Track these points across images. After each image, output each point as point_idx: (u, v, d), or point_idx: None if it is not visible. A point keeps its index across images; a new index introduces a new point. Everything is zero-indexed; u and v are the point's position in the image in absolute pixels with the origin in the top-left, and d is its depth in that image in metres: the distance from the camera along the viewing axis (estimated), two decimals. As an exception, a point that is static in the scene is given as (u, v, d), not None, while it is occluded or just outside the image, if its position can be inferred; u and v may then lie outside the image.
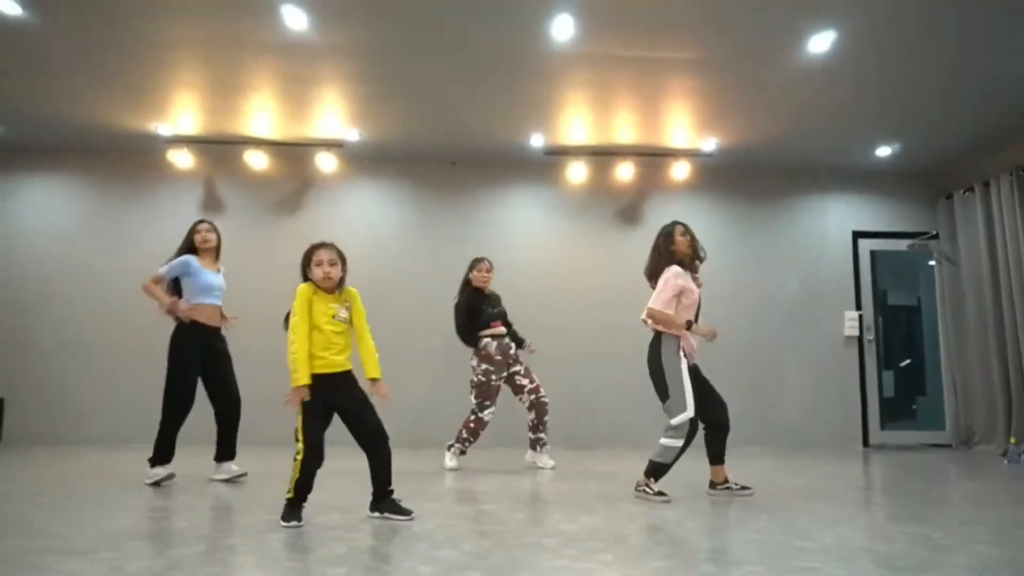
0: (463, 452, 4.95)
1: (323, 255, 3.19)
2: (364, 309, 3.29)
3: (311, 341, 3.09)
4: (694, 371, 3.84)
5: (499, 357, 4.90)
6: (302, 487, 3.04)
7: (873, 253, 7.01)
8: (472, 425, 4.89)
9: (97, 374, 6.32)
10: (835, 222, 6.97)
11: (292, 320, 3.14)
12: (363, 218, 6.71)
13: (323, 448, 3.07)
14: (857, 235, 6.98)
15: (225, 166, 6.58)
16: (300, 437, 3.05)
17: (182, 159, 6.33)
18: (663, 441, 3.75)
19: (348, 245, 6.40)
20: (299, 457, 3.04)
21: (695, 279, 3.91)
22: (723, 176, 6.80)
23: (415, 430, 5.72)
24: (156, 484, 3.97)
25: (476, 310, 4.96)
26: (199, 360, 4.19)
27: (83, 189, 6.63)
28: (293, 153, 6.48)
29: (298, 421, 3.07)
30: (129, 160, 6.58)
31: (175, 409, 4.10)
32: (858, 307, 6.87)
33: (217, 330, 4.32)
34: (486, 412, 4.88)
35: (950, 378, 6.80)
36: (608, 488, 4.10)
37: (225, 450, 4.29)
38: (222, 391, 4.28)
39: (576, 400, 6.34)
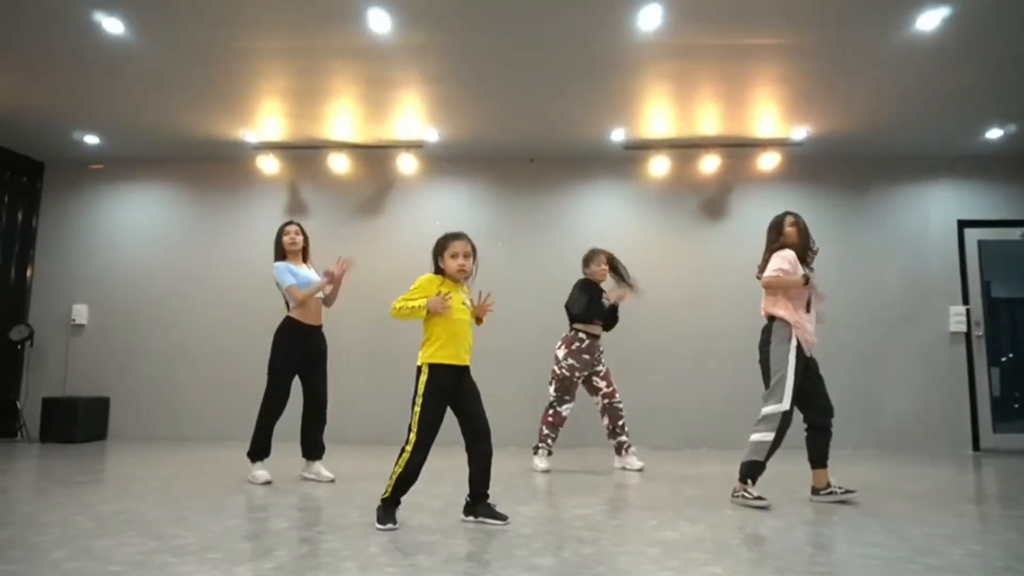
0: (550, 452, 4.84)
1: (459, 247, 3.09)
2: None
3: (441, 330, 3.01)
4: (806, 365, 3.66)
5: (587, 356, 4.80)
6: (401, 486, 2.98)
7: (980, 243, 6.53)
8: (551, 419, 4.79)
9: (196, 375, 6.58)
10: (939, 211, 6.54)
11: (399, 302, 3.06)
12: (442, 217, 6.72)
13: (432, 444, 2.99)
14: (963, 224, 6.53)
15: (308, 170, 6.73)
16: (413, 428, 2.95)
17: (268, 165, 6.51)
18: (753, 437, 3.60)
19: (427, 246, 6.61)
20: (408, 449, 2.94)
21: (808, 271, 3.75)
22: (814, 166, 6.49)
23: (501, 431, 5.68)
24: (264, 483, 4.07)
25: (594, 298, 4.81)
26: (301, 360, 4.23)
27: (178, 197, 6.91)
28: (374, 155, 6.57)
29: (414, 414, 2.98)
30: (220, 168, 6.82)
31: (272, 406, 4.15)
32: (965, 301, 6.43)
33: (319, 329, 4.33)
34: (565, 407, 4.79)
35: (1071, 377, 6.27)
36: (703, 492, 3.95)
37: (311, 449, 4.32)
38: (311, 392, 4.32)
39: (658, 400, 6.18)
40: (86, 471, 4.64)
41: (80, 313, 6.76)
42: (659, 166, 6.36)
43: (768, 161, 6.28)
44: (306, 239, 4.47)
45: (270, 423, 4.17)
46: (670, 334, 6.37)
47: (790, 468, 4.23)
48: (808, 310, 3.70)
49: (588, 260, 4.97)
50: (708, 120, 5.92)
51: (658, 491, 4.04)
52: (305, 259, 4.47)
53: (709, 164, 6.31)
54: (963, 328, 6.36)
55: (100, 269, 6.83)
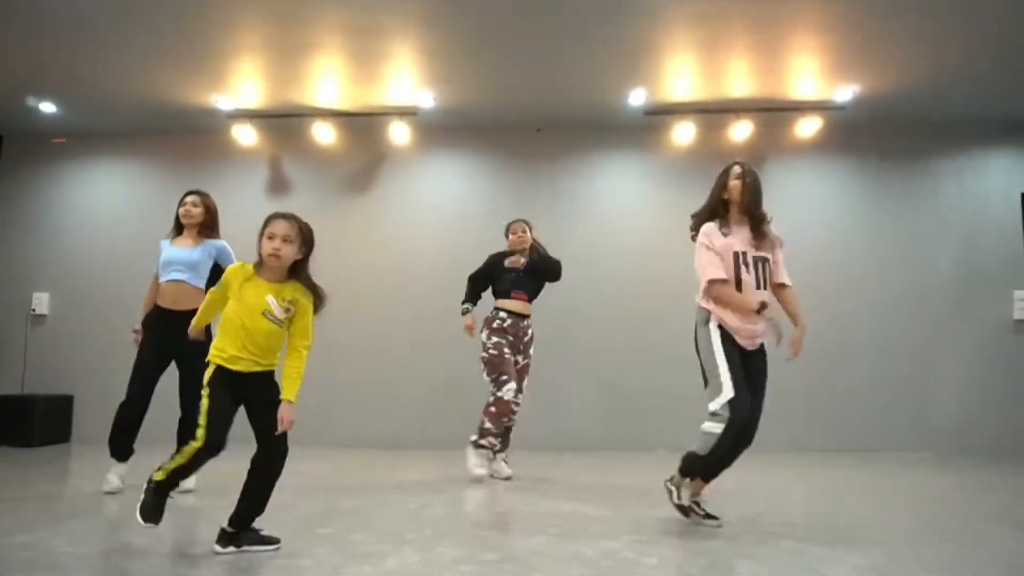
0: (495, 450, 4.09)
1: (277, 227, 2.50)
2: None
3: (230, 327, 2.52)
4: (742, 357, 2.93)
5: (511, 337, 4.14)
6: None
7: (1048, 219, 5.79)
8: (493, 409, 4.00)
9: (168, 370, 5.90)
10: (999, 183, 5.79)
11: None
12: (440, 193, 6.04)
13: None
14: (1027, 198, 5.79)
15: (290, 141, 6.05)
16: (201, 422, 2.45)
17: (246, 135, 5.83)
18: (703, 426, 2.89)
19: (425, 223, 5.95)
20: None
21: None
22: (859, 133, 5.75)
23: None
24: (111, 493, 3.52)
25: (495, 271, 4.26)
26: (159, 350, 3.63)
27: (149, 173, 6.24)
28: (363, 124, 5.86)
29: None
30: (193, 140, 6.15)
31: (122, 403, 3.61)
32: (1030, 285, 5.69)
33: (185, 315, 3.25)
34: (504, 389, 4.00)
35: None
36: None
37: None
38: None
39: (680, 393, 5.46)
40: (26, 483, 3.99)
41: (41, 302, 6.12)
42: (683, 133, 5.65)
43: (807, 127, 5.55)
44: (210, 212, 3.79)
45: (115, 422, 3.62)
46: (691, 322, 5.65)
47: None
48: (742, 286, 2.93)
49: (506, 231, 4.34)
50: (740, 80, 5.22)
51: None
52: (208, 235, 3.76)
53: (740, 131, 5.59)
54: (1028, 315, 5.63)
55: (63, 254, 6.17)
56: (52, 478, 4.31)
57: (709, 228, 3.05)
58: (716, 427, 2.86)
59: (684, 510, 2.98)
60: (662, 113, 5.63)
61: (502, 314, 4.20)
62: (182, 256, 3.67)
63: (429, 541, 2.65)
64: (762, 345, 3.00)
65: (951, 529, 3.00)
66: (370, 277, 5.84)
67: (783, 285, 3.06)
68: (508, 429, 4.16)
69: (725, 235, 3.00)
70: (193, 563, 2.41)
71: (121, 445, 3.60)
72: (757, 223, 3.02)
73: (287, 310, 2.51)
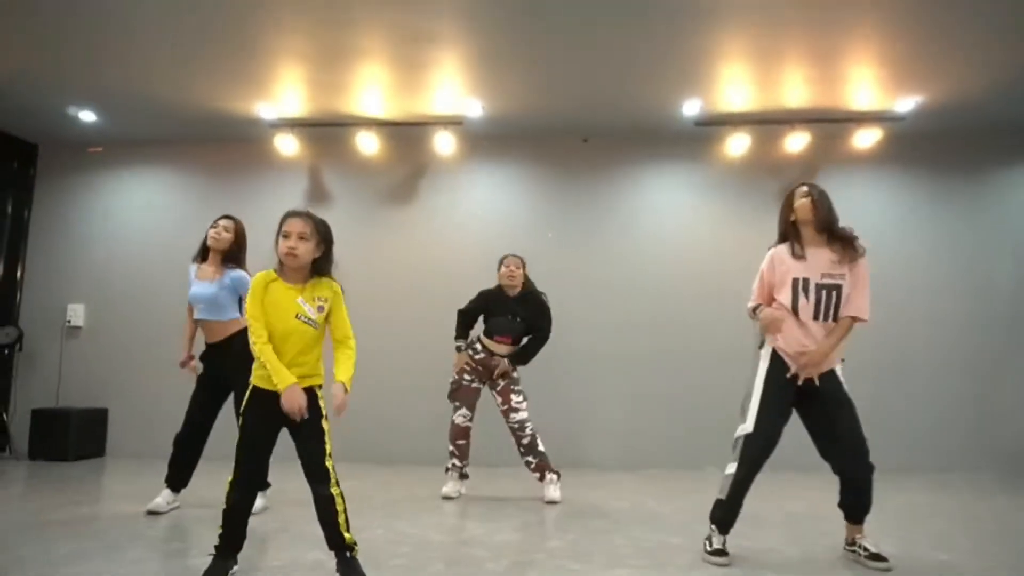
0: (461, 473, 4.20)
1: (291, 225, 2.44)
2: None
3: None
4: (802, 390, 2.80)
5: (480, 368, 4.21)
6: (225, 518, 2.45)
7: (1112, 232, 5.61)
8: (450, 432, 4.20)
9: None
10: (1062, 195, 5.62)
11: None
12: (484, 205, 5.91)
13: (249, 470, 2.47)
14: (1092, 210, 5.61)
15: (332, 151, 5.93)
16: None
17: (287, 145, 5.71)
18: (726, 469, 2.82)
19: (468, 235, 5.81)
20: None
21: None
22: (919, 143, 5.57)
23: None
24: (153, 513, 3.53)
25: (490, 308, 4.25)
26: (212, 383, 3.67)
27: (187, 183, 6.14)
28: (408, 134, 5.73)
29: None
30: (233, 149, 6.05)
31: (182, 430, 3.68)
32: (1096, 298, 5.50)
33: (220, 346, 3.64)
34: (458, 415, 4.18)
35: None
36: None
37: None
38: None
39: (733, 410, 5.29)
40: (65, 502, 3.86)
41: (76, 313, 6.01)
42: (736, 145, 5.50)
43: (865, 139, 5.40)
44: (239, 240, 3.74)
45: (176, 449, 3.70)
46: (743, 334, 5.49)
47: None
48: (797, 315, 2.81)
49: (500, 263, 4.31)
50: (796, 89, 5.06)
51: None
52: (235, 262, 3.70)
53: (795, 142, 5.44)
54: (1095, 331, 5.44)
55: (99, 265, 6.07)
56: (92, 496, 4.17)
57: (773, 251, 2.96)
58: (731, 467, 2.80)
59: (719, 553, 2.80)
60: (715, 124, 5.49)
61: (478, 346, 4.24)
62: (204, 294, 3.66)
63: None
64: (832, 372, 2.84)
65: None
66: (411, 290, 5.70)
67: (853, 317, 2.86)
68: (529, 449, 4.09)
69: (798, 258, 2.87)
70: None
71: (180, 475, 3.67)
72: (839, 241, 2.89)
73: (320, 308, 2.44)
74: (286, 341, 2.41)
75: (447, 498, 4.08)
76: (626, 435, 5.52)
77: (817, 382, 2.81)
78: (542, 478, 4.10)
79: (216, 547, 2.44)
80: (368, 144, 5.67)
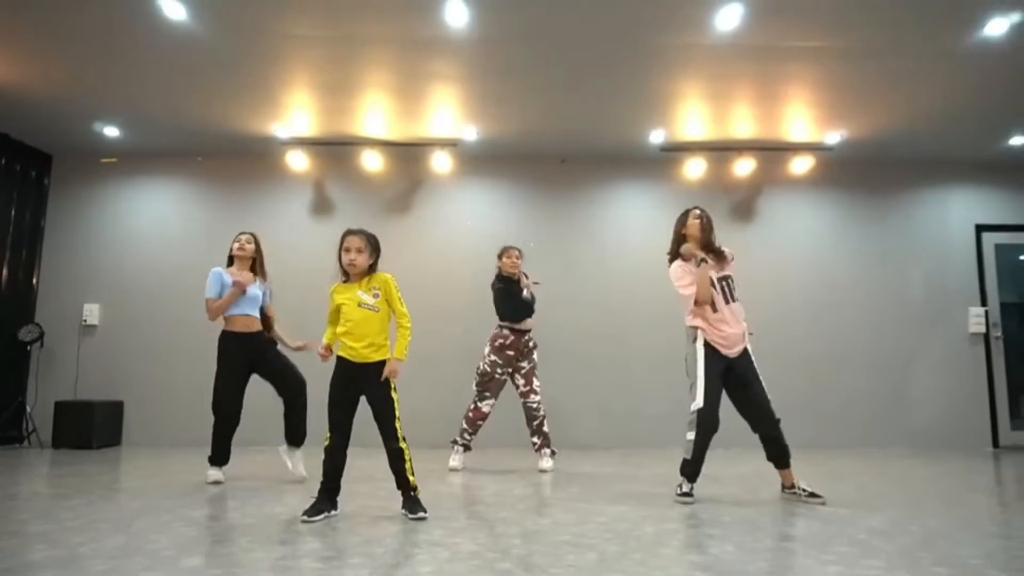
0: (466, 448, 4.84)
1: (349, 242, 3.20)
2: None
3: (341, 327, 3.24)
4: (728, 368, 3.67)
5: (510, 352, 4.80)
6: (324, 470, 3.20)
7: (997, 247, 6.75)
8: (470, 415, 4.80)
9: (208, 378, 6.30)
10: (958, 216, 6.75)
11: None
12: (475, 217, 6.65)
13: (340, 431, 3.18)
14: (980, 228, 6.75)
15: (338, 167, 6.58)
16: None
17: (297, 161, 6.33)
18: (686, 436, 3.68)
19: (458, 245, 6.56)
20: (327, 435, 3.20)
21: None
22: (845, 170, 6.62)
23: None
24: (215, 483, 4.11)
25: (515, 294, 4.85)
26: (244, 368, 4.23)
27: (198, 193, 6.67)
28: (408, 153, 6.45)
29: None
30: (243, 163, 6.62)
31: (218, 414, 4.19)
32: (983, 303, 6.63)
33: (257, 334, 4.29)
34: (485, 403, 4.79)
35: (1083, 376, 6.52)
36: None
37: (291, 435, 4.29)
38: (280, 380, 4.28)
39: (679, 399, 6.18)
40: (134, 477, 4.42)
41: (91, 313, 6.46)
42: (694, 168, 6.41)
43: (800, 165, 6.39)
44: (259, 251, 4.40)
45: (220, 430, 4.20)
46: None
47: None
48: (715, 309, 3.69)
49: (500, 254, 4.97)
50: (745, 123, 5.99)
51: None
52: (257, 271, 4.38)
53: (743, 167, 6.39)
54: (982, 329, 6.56)
55: (112, 267, 6.54)
56: (151, 474, 4.72)
57: (680, 264, 3.87)
58: (690, 434, 3.65)
59: (687, 495, 3.60)
60: (676, 150, 6.39)
61: (506, 331, 4.81)
62: (253, 293, 4.28)
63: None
64: (745, 349, 3.73)
65: (935, 500, 3.75)
66: (408, 295, 6.34)
67: None
68: (541, 428, 4.80)
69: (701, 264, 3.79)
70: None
71: (224, 452, 4.26)
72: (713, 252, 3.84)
73: (375, 295, 3.18)
74: (356, 326, 3.14)
75: (454, 470, 4.74)
76: (597, 420, 6.33)
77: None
78: (539, 450, 4.85)
79: (318, 491, 3.13)
80: (371, 161, 6.35)
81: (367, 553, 2.51)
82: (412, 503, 3.16)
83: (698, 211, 3.89)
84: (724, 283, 3.76)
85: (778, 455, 3.72)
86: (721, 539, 2.77)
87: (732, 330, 3.68)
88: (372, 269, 3.22)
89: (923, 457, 5.72)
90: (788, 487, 3.75)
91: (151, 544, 2.62)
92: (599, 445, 6.15)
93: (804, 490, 3.67)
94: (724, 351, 3.68)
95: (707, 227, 3.84)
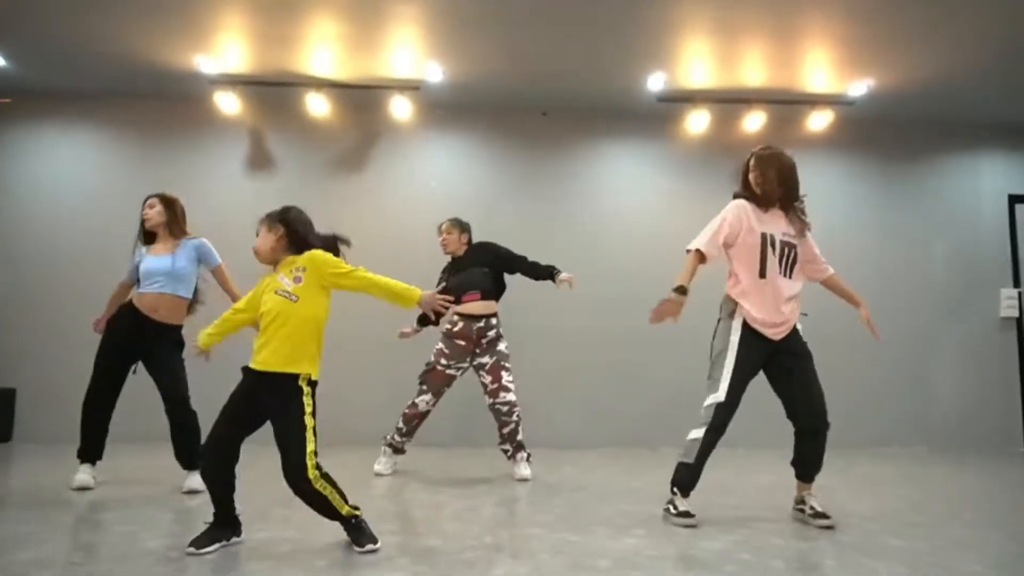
0: (396, 450, 4.06)
1: None
2: None
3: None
4: (771, 353, 2.90)
5: (461, 342, 3.97)
6: None
7: (1033, 220, 6.00)
8: (406, 411, 4.02)
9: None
10: (990, 184, 5.96)
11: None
12: (440, 176, 5.68)
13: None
14: (1014, 199, 5.96)
15: (279, 113, 5.56)
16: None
17: (228, 103, 5.30)
18: (689, 435, 2.88)
19: (422, 208, 5.58)
20: None
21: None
22: (866, 128, 5.78)
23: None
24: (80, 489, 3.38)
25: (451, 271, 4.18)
26: (127, 353, 3.50)
27: (112, 140, 5.61)
28: (362, 97, 5.43)
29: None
30: (167, 106, 5.56)
31: (87, 400, 3.52)
32: (1016, 284, 5.87)
33: (161, 326, 3.47)
34: (421, 399, 3.99)
35: (1124, 367, 5.81)
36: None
37: (181, 457, 3.48)
38: (164, 391, 3.47)
39: (689, 390, 5.32)
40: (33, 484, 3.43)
41: (-21, 284, 5.38)
42: (697, 123, 5.51)
43: (818, 121, 5.54)
44: (172, 209, 3.58)
45: (85, 419, 3.53)
46: (701, 312, 5.54)
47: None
48: (763, 275, 2.88)
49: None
50: (755, 68, 5.12)
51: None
52: (175, 233, 3.57)
53: (753, 122, 5.51)
54: (1015, 313, 5.81)
55: (6, 232, 5.46)
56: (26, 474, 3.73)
57: (739, 203, 2.98)
58: (697, 432, 2.83)
59: (684, 515, 2.82)
60: (677, 100, 5.48)
61: (455, 318, 4.04)
62: (160, 266, 3.45)
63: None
64: (795, 329, 2.93)
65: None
66: (363, 263, 5.41)
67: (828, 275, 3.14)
68: (513, 434, 3.94)
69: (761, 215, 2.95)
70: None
71: (94, 447, 3.50)
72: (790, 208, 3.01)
73: (297, 279, 2.40)
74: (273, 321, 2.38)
75: (379, 475, 3.92)
76: (579, 414, 5.45)
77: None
78: (512, 457, 3.96)
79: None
80: (318, 106, 5.34)
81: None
82: (357, 532, 2.38)
83: (754, 159, 3.00)
84: (787, 249, 2.91)
85: (809, 460, 2.92)
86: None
87: (781, 308, 2.85)
88: (294, 250, 2.51)
89: (947, 459, 4.99)
90: (799, 503, 2.95)
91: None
92: (581, 444, 5.27)
93: (812, 508, 2.87)
94: (767, 333, 2.85)
95: (780, 171, 2.96)
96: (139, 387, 3.60)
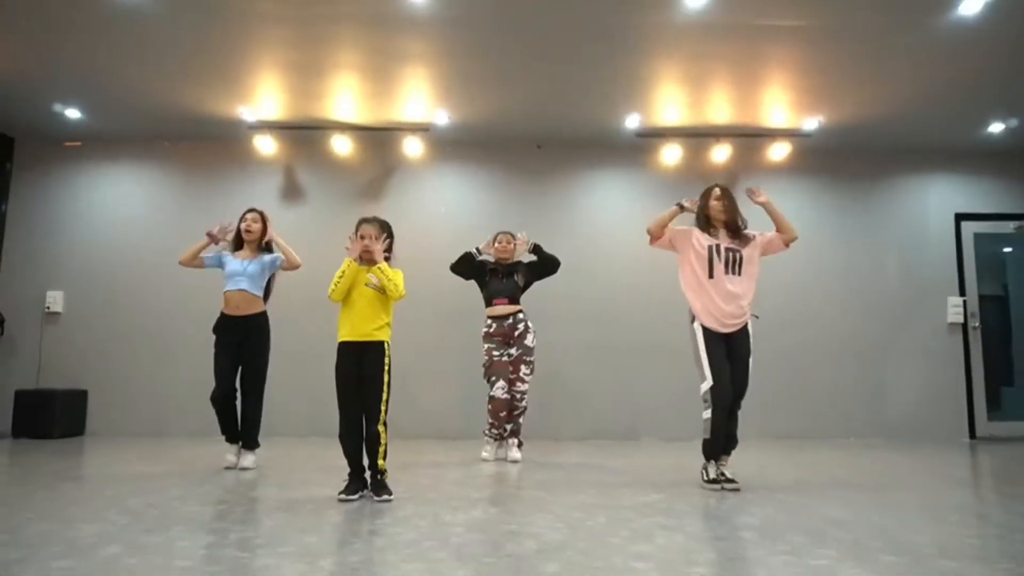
0: (494, 438, 4.72)
1: (363, 229, 3.41)
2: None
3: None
4: (726, 340, 3.62)
5: (498, 338, 4.74)
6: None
7: (976, 236, 6.68)
8: (489, 407, 4.68)
9: (180, 366, 6.16)
10: (937, 204, 6.65)
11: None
12: (448, 204, 6.53)
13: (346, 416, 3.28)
14: (960, 217, 6.66)
15: (307, 152, 6.44)
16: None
17: (265, 145, 6.19)
18: (703, 415, 3.61)
19: (432, 233, 6.42)
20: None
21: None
22: (822, 157, 6.51)
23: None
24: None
25: (481, 279, 4.90)
26: (231, 349, 4.21)
27: (165, 178, 6.52)
28: (378, 138, 6.31)
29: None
30: (212, 148, 6.47)
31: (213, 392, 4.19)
32: (962, 293, 6.55)
33: (246, 318, 4.23)
34: (496, 389, 4.63)
35: (1061, 367, 6.46)
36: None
37: (243, 437, 4.25)
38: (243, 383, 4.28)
39: (667, 392, 6.08)
40: (85, 467, 4.29)
41: (55, 300, 6.31)
42: (670, 155, 6.29)
43: (778, 151, 6.29)
44: (263, 227, 4.41)
45: (216, 408, 4.19)
46: (679, 328, 6.30)
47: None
48: (712, 275, 3.65)
49: (494, 239, 4.98)
50: (722, 108, 5.87)
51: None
52: (260, 247, 4.40)
53: (720, 153, 6.28)
54: (960, 319, 6.48)
55: (77, 254, 6.38)
56: (105, 463, 4.59)
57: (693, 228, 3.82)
58: (707, 412, 3.57)
59: (714, 482, 3.57)
60: (652, 136, 6.27)
61: (488, 320, 4.79)
62: (240, 268, 4.27)
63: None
64: (745, 326, 3.68)
65: (900, 490, 3.67)
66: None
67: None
68: (515, 417, 4.70)
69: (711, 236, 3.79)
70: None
71: (230, 430, 4.24)
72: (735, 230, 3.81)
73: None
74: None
75: (485, 460, 4.64)
76: (573, 411, 6.22)
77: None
78: (507, 438, 4.72)
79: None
80: (341, 146, 6.21)
81: (299, 542, 2.41)
82: (378, 486, 3.23)
83: (719, 190, 3.83)
84: (730, 253, 3.70)
85: (727, 436, 3.65)
86: (673, 529, 2.68)
87: (728, 307, 3.61)
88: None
89: (899, 447, 5.65)
90: (719, 474, 3.65)
91: (75, 532, 2.50)
92: (575, 437, 6.05)
93: (723, 475, 3.60)
94: (717, 329, 3.62)
95: (728, 207, 3.77)
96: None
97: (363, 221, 3.44)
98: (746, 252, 3.74)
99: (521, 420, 4.77)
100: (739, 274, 3.69)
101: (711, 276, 3.65)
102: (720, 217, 3.78)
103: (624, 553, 2.31)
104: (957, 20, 4.30)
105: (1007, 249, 7.18)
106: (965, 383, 6.45)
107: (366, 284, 3.30)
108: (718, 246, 3.72)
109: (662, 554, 2.30)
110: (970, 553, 2.36)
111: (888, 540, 2.51)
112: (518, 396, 4.69)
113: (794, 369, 6.27)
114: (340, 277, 3.28)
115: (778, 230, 3.82)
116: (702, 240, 3.75)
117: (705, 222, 3.84)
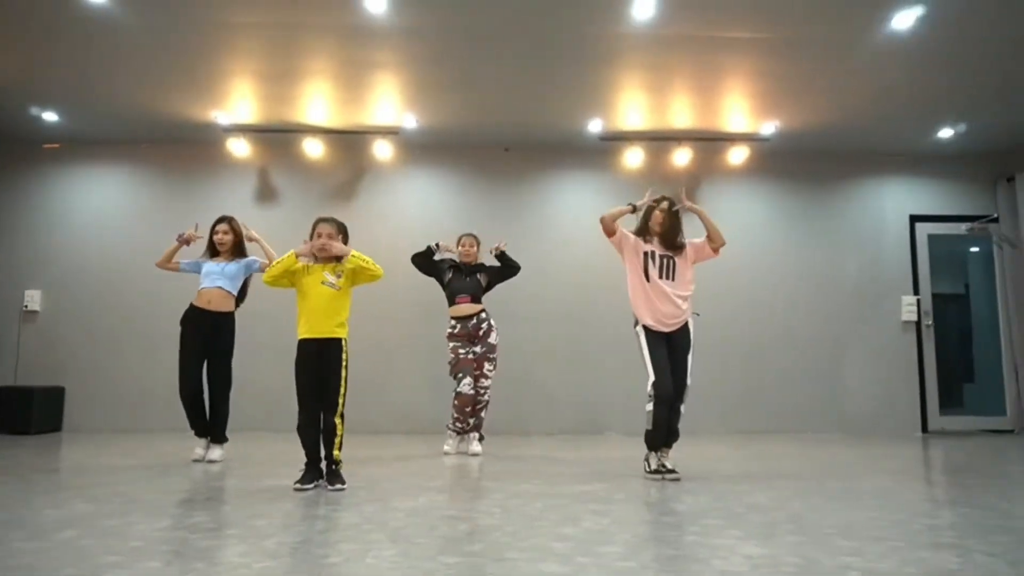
0: (458, 432, 4.95)
1: (320, 228, 3.58)
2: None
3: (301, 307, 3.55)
4: (668, 339, 3.85)
5: (461, 336, 4.93)
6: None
7: (931, 237, 6.92)
8: (456, 402, 4.87)
9: (156, 364, 6.31)
10: (893, 206, 6.89)
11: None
12: (417, 205, 6.70)
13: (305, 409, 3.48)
14: (915, 219, 6.90)
15: (280, 155, 6.60)
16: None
17: (239, 148, 6.35)
18: (646, 407, 3.83)
19: (402, 234, 6.60)
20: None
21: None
22: (780, 160, 6.74)
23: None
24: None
25: (443, 279, 5.08)
26: (197, 344, 4.33)
27: (142, 180, 6.68)
28: (349, 141, 6.48)
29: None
30: (187, 150, 6.63)
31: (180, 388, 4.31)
32: (916, 292, 6.79)
33: (216, 315, 4.37)
34: (462, 385, 4.83)
35: (1011, 364, 6.71)
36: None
37: (211, 432, 4.40)
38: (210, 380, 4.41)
39: (629, 389, 6.27)
40: (58, 460, 4.45)
41: (33, 299, 6.45)
42: (633, 158, 6.50)
43: (737, 155, 6.50)
44: (236, 234, 4.59)
45: (183, 404, 4.32)
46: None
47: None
48: (648, 279, 3.88)
49: (458, 241, 5.16)
50: (682, 113, 6.09)
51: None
52: (236, 254, 4.58)
53: (681, 157, 6.48)
54: (914, 318, 6.72)
55: (55, 254, 6.53)
56: (79, 457, 4.75)
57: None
58: (649, 406, 3.81)
59: (656, 472, 3.78)
60: (615, 139, 6.47)
61: (452, 321, 4.99)
62: (216, 268, 4.46)
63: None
64: (685, 324, 3.91)
65: (833, 479, 3.89)
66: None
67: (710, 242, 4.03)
68: (478, 411, 4.92)
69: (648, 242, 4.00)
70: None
71: (198, 424, 4.37)
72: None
73: (339, 275, 3.50)
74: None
75: (447, 454, 4.84)
76: (541, 408, 6.41)
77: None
78: (468, 432, 4.93)
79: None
80: (313, 149, 6.38)
81: (247, 525, 2.59)
82: (333, 476, 3.42)
83: (667, 204, 4.02)
84: (665, 260, 3.93)
85: (668, 429, 3.85)
86: (602, 514, 2.87)
87: (665, 308, 3.84)
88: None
89: (851, 441, 5.88)
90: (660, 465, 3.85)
91: (40, 518, 2.67)
92: (543, 432, 6.26)
93: (664, 466, 3.80)
94: (659, 328, 3.84)
95: (665, 221, 3.97)
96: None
97: (320, 220, 3.61)
98: (679, 260, 3.97)
99: (483, 414, 4.97)
100: (673, 279, 3.92)
101: (647, 279, 3.89)
102: (656, 229, 4.00)
103: (548, 535, 2.49)
104: (891, 34, 4.52)
105: (974, 249, 7.45)
106: (919, 379, 6.68)
107: (322, 283, 3.46)
108: (653, 252, 3.96)
109: (583, 536, 2.49)
110: (870, 534, 2.56)
111: (797, 523, 2.71)
112: (482, 391, 4.91)
113: (754, 366, 6.50)
114: (277, 263, 3.54)
115: (708, 237, 4.00)
116: (639, 246, 3.98)
117: (644, 228, 4.04)
